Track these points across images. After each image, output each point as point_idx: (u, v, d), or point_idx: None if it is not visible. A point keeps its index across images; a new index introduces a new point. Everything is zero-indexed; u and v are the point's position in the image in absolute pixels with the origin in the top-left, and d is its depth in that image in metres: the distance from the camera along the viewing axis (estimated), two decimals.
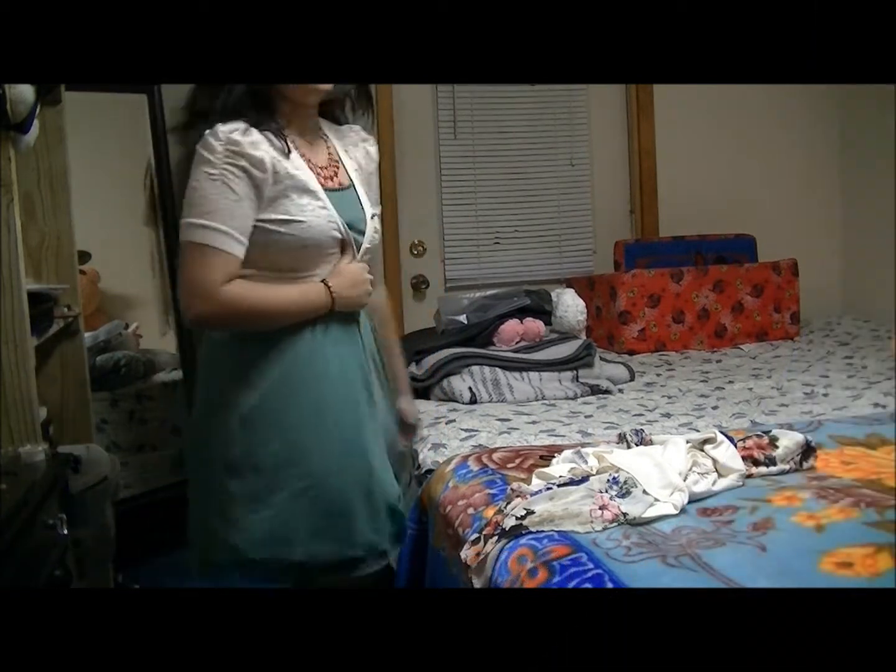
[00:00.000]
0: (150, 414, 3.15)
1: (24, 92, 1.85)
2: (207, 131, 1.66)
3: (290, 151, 1.70)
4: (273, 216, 1.68)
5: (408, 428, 2.02)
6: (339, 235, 1.74)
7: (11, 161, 1.90)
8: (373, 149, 1.93)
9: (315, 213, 1.70)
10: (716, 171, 3.91)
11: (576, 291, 3.13)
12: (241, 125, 1.66)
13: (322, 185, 1.74)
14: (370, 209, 1.84)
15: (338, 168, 1.82)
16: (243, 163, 1.64)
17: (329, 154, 1.83)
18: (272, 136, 1.69)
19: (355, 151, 1.89)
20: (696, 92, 3.73)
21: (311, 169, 1.74)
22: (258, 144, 1.65)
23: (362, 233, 1.80)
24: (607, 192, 3.88)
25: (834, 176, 4.05)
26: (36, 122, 1.98)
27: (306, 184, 1.71)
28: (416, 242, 3.73)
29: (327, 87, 1.75)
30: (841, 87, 3.93)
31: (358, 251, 1.79)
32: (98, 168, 3.02)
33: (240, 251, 1.65)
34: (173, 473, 3.17)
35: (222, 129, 1.66)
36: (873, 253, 3.84)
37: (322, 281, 1.72)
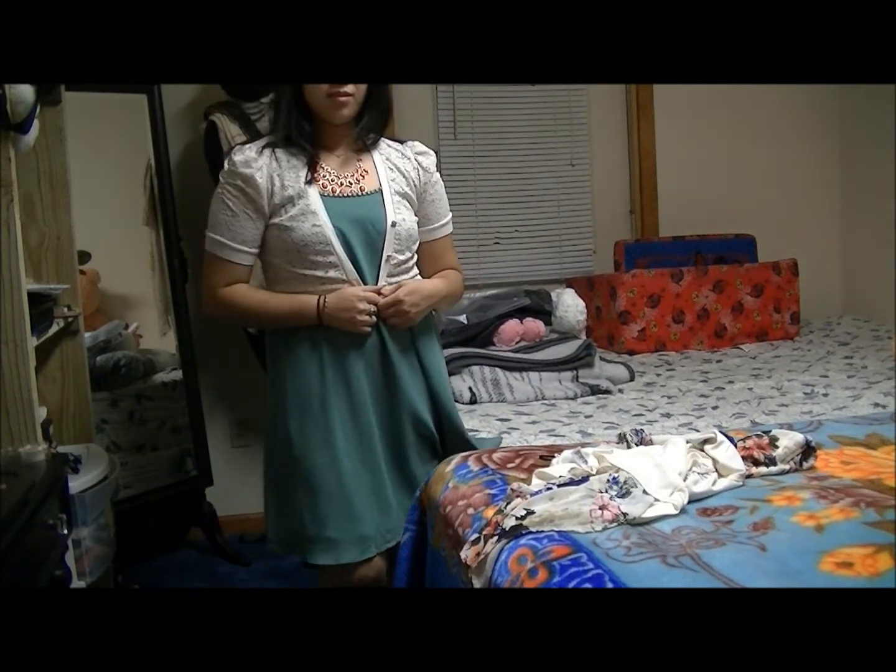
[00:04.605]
0: (150, 414, 3.15)
1: (24, 92, 1.85)
2: None
3: (310, 166, 1.97)
4: (276, 221, 1.96)
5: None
6: (326, 234, 1.94)
7: (11, 161, 1.89)
8: (426, 161, 2.12)
9: (303, 218, 1.94)
10: (716, 171, 3.90)
11: (576, 291, 3.13)
12: (248, 145, 1.99)
13: (336, 193, 1.99)
14: (392, 216, 2.01)
15: (363, 177, 2.04)
16: (238, 181, 1.95)
17: (358, 165, 2.05)
18: (283, 151, 1.97)
19: (401, 162, 2.09)
20: (696, 92, 3.73)
21: (324, 178, 1.99)
22: (250, 162, 1.95)
23: (380, 232, 1.98)
24: (607, 192, 3.88)
25: (834, 176, 4.05)
26: (36, 122, 1.98)
27: (304, 190, 1.96)
28: None
29: (349, 109, 1.97)
30: (841, 87, 3.93)
31: (375, 249, 1.99)
32: (98, 168, 3.01)
33: (239, 258, 1.99)
34: (173, 473, 3.18)
35: (233, 150, 2.00)
36: (873, 253, 3.84)
37: (320, 296, 1.96)
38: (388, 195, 2.03)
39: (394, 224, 2.00)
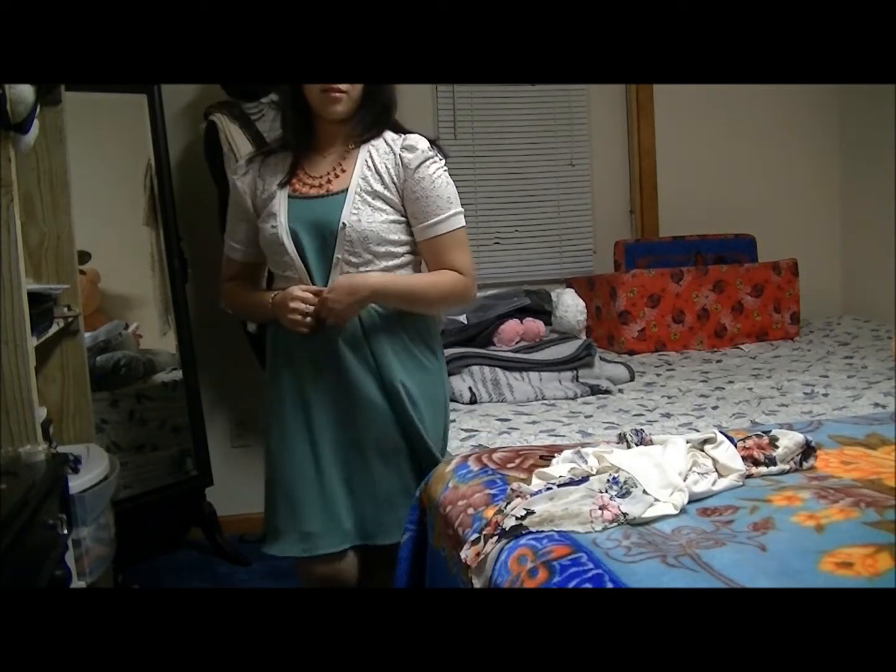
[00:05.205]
0: (150, 414, 3.15)
1: (24, 92, 1.85)
2: None
3: (286, 175, 2.02)
4: (257, 222, 2.06)
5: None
6: (280, 235, 1.98)
7: (11, 161, 1.89)
8: (409, 155, 2.00)
9: (267, 220, 2.01)
10: (716, 171, 3.90)
11: (576, 291, 3.13)
12: (250, 153, 2.19)
13: (302, 194, 2.00)
14: (346, 217, 1.96)
15: (338, 176, 2.01)
16: (231, 187, 2.12)
17: (338, 163, 2.02)
18: (275, 156, 2.06)
19: (381, 159, 2.01)
20: (696, 92, 3.73)
21: (300, 179, 2.02)
22: (237, 169, 2.12)
23: (333, 233, 1.96)
24: (607, 192, 3.88)
25: (834, 176, 4.05)
26: (36, 122, 1.98)
27: (274, 193, 2.02)
28: None
29: (343, 105, 1.95)
30: (841, 87, 3.93)
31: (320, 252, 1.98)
32: (98, 168, 3.01)
33: (235, 254, 2.15)
34: (173, 473, 3.18)
35: None
36: (873, 253, 3.84)
37: (273, 294, 2.02)
38: (351, 195, 1.96)
39: (343, 226, 1.94)
